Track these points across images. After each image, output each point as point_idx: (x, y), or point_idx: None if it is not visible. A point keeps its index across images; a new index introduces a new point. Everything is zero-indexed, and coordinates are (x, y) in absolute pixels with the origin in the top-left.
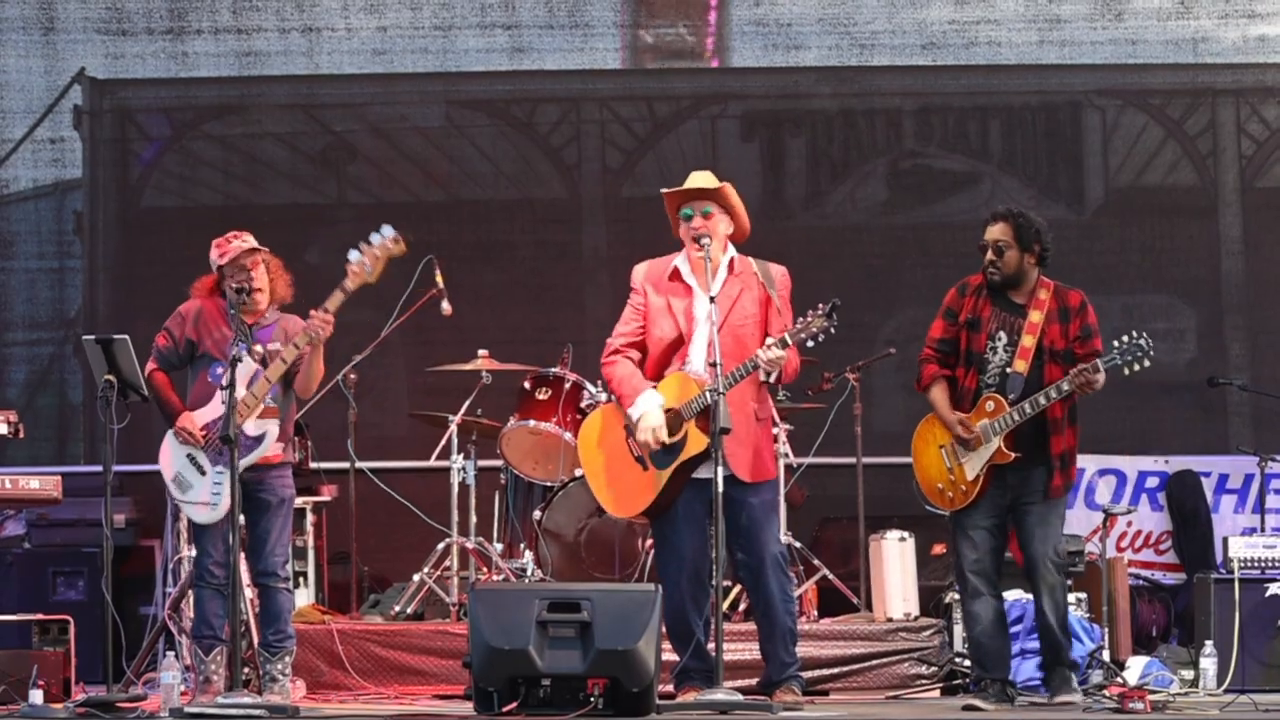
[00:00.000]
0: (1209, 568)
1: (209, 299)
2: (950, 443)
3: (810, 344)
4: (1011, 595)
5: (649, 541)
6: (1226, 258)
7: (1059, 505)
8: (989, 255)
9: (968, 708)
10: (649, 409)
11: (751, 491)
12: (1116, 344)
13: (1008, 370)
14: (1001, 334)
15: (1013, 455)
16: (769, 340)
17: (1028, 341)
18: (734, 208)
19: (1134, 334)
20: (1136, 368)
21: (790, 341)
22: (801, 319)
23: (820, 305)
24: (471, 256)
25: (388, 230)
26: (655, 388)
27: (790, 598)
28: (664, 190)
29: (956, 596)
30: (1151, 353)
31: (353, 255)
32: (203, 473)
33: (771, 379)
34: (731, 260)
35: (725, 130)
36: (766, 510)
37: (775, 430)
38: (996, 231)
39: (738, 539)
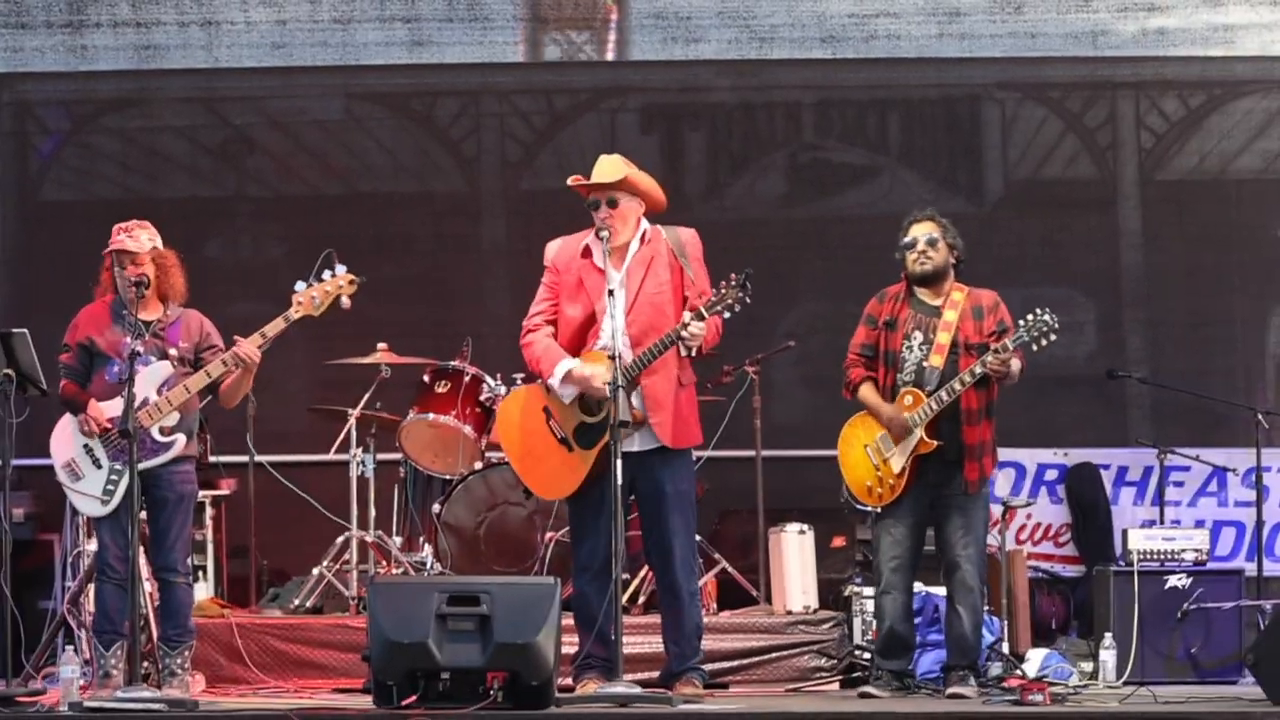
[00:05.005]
0: (1108, 560)
1: (101, 299)
2: (875, 440)
3: (727, 314)
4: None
5: (548, 534)
6: (1126, 251)
7: (980, 503)
8: (920, 247)
9: (863, 695)
10: (573, 366)
11: (673, 468)
12: (1023, 322)
13: (923, 365)
14: (917, 333)
15: (935, 444)
16: (686, 316)
17: (943, 338)
18: (642, 190)
19: (1038, 311)
20: (1044, 343)
21: (706, 314)
22: (715, 291)
23: (733, 275)
24: (370, 250)
25: (341, 269)
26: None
27: (697, 591)
28: (570, 183)
29: (856, 589)
30: (1056, 327)
31: (299, 287)
32: (98, 466)
33: (693, 352)
34: (643, 232)
35: (624, 123)
36: (683, 500)
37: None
38: (926, 228)
39: (652, 527)
